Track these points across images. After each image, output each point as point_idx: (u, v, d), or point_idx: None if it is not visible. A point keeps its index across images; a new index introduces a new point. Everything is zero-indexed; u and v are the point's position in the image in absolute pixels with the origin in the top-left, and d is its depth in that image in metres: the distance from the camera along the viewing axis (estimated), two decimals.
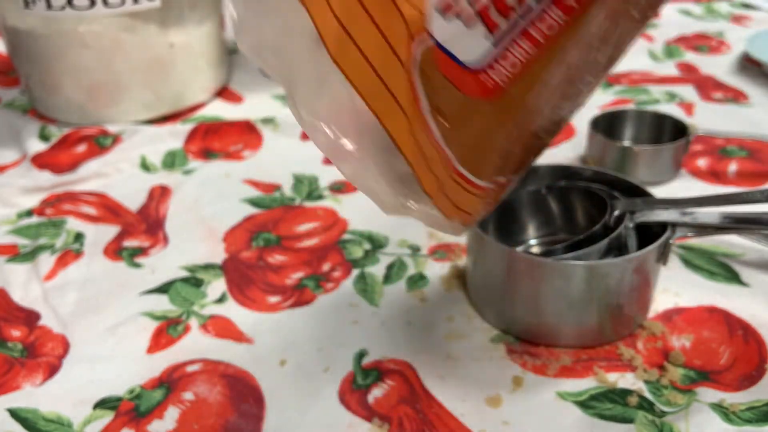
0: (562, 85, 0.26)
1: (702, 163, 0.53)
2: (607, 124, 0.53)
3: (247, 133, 0.61)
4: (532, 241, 0.44)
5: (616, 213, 0.38)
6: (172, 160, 0.57)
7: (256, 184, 0.53)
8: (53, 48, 0.59)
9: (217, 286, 0.42)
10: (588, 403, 0.33)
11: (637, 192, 0.39)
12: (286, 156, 0.57)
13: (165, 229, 0.48)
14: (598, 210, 0.40)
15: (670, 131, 0.52)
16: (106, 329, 0.40)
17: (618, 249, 0.37)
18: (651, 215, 0.38)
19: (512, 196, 0.42)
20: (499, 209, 0.42)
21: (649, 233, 0.37)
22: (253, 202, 0.51)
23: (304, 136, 0.60)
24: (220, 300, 0.41)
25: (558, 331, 0.36)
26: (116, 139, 0.60)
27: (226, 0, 0.89)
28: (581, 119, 0.59)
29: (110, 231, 0.48)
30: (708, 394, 0.33)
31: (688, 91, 0.65)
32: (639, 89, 0.66)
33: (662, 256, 0.36)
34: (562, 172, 0.42)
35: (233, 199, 0.52)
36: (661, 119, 0.53)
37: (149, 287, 0.43)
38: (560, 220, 0.43)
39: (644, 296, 0.37)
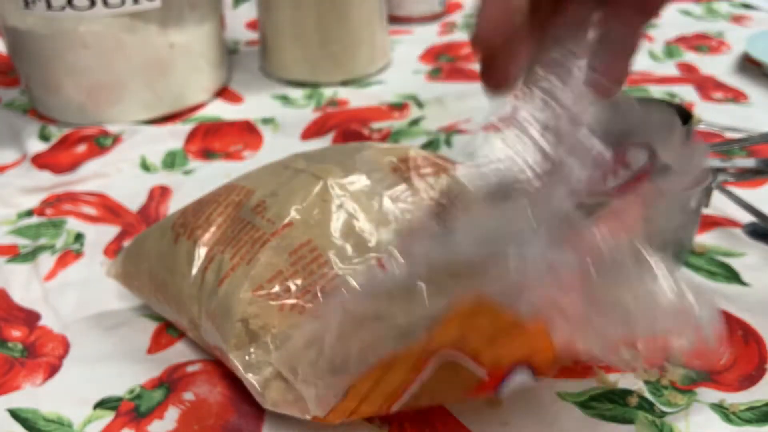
0: None
1: None
2: None
3: (247, 133, 0.61)
4: None
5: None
6: (172, 160, 0.57)
7: None
8: (53, 48, 0.59)
9: None
10: (588, 404, 0.33)
11: None
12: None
13: None
14: None
15: None
16: (106, 329, 0.40)
17: None
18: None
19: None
20: None
21: None
22: None
23: (304, 136, 0.60)
24: None
25: None
26: (116, 139, 0.60)
27: (228, 2, 0.89)
28: None
29: (110, 231, 0.48)
30: (708, 394, 0.33)
31: (688, 91, 0.65)
32: (639, 89, 0.66)
33: (704, 200, 0.37)
34: None
35: None
36: (666, 107, 0.54)
37: None
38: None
39: None
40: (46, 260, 0.45)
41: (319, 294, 0.33)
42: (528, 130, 0.26)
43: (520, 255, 0.22)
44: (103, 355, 0.38)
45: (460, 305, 0.24)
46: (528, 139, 0.26)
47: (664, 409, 0.33)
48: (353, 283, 0.27)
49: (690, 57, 0.73)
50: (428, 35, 0.81)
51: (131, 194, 0.53)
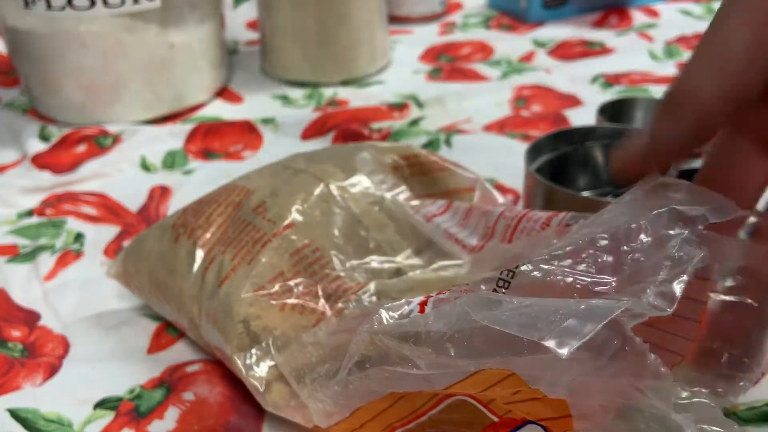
0: None
1: None
2: (614, 111, 0.54)
3: (247, 133, 0.61)
4: (584, 193, 0.47)
5: None
6: (172, 160, 0.57)
7: None
8: (53, 48, 0.59)
9: None
10: None
11: None
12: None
13: None
14: None
15: None
16: (106, 329, 0.40)
17: None
18: (695, 161, 0.39)
19: (564, 154, 0.46)
20: (552, 166, 0.46)
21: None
22: None
23: (304, 136, 0.60)
24: None
25: None
26: (116, 139, 0.60)
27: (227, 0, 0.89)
28: (589, 107, 0.61)
29: (110, 231, 0.48)
30: (708, 394, 0.33)
31: None
32: (639, 89, 0.66)
33: None
34: (609, 131, 0.46)
35: None
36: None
37: None
38: (606, 174, 0.46)
39: None
40: (46, 260, 0.45)
41: (338, 303, 0.32)
42: (598, 241, 0.26)
43: (561, 347, 0.22)
44: (103, 355, 0.38)
45: (486, 373, 0.24)
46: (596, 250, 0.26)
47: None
48: (388, 315, 0.26)
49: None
50: (428, 35, 0.81)
51: (131, 194, 0.53)
